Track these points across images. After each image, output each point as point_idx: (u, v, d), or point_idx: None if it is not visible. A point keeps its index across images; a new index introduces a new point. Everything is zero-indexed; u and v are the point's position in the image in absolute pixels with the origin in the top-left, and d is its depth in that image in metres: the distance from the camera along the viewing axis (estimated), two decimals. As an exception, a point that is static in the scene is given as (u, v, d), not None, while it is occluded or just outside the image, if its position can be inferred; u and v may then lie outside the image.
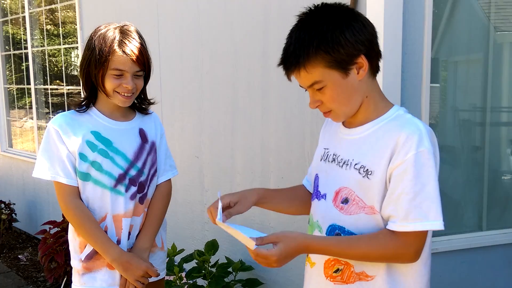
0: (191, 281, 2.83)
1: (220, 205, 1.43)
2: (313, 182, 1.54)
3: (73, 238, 1.83)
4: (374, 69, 1.36)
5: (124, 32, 1.74)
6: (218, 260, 2.94)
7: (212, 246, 2.91)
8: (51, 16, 5.46)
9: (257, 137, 2.84)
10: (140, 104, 1.91)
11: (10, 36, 5.95)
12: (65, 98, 5.12)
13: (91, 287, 1.81)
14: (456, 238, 2.41)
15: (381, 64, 1.39)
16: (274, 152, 2.75)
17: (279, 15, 2.62)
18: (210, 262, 2.83)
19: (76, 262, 1.83)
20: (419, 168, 1.23)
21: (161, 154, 1.95)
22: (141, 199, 1.85)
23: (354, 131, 1.39)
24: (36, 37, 5.43)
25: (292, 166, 2.64)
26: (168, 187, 1.97)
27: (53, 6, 5.06)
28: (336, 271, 1.38)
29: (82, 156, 1.75)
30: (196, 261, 2.84)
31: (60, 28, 5.12)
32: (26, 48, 5.40)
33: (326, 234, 1.40)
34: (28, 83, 5.43)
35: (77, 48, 4.69)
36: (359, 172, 1.32)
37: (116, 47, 1.70)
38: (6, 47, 5.91)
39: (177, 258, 2.99)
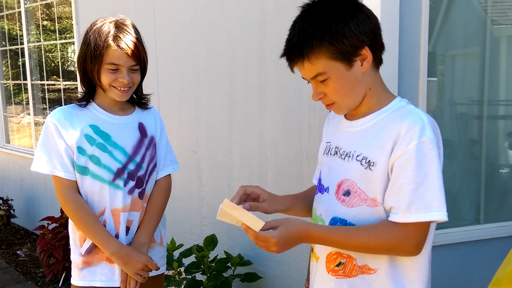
0: (190, 276, 2.84)
1: (241, 193, 1.41)
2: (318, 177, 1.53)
3: (73, 232, 1.83)
4: (377, 61, 1.34)
5: (119, 26, 1.73)
6: (217, 255, 2.94)
7: (211, 241, 2.91)
8: (47, 11, 5.42)
9: (255, 131, 2.84)
10: (139, 99, 1.90)
11: (6, 32, 5.92)
12: (62, 94, 5.11)
13: (91, 281, 1.80)
14: (454, 232, 2.41)
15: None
16: (271, 146, 2.75)
17: (276, 10, 2.61)
18: (209, 257, 2.84)
19: (76, 256, 1.82)
20: (421, 158, 1.21)
21: (161, 149, 1.93)
22: (140, 194, 1.85)
23: (356, 123, 1.37)
24: (32, 33, 5.40)
25: (290, 160, 2.64)
26: (167, 182, 1.96)
27: (49, 1, 5.03)
28: (338, 265, 1.36)
29: (80, 150, 1.75)
30: (195, 256, 2.85)
31: (56, 24, 5.10)
32: (22, 43, 5.38)
33: None
34: (25, 79, 5.41)
35: (73, 43, 4.67)
36: (361, 164, 1.30)
37: (111, 41, 1.69)
38: (3, 42, 5.88)
39: (176, 253, 2.99)
